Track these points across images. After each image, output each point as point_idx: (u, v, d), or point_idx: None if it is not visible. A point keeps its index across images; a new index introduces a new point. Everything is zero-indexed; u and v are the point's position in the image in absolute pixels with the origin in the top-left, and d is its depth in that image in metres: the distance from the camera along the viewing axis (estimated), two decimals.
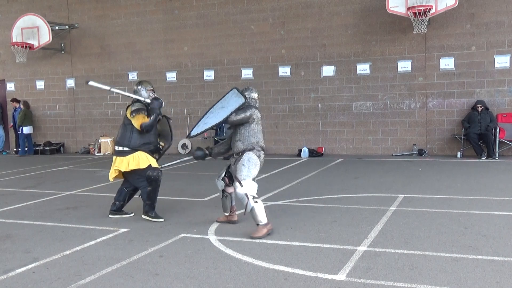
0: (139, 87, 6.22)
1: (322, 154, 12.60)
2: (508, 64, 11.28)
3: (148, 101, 6.08)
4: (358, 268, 4.17)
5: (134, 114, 5.98)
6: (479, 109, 11.12)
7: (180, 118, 14.01)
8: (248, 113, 5.43)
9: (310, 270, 4.17)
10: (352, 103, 12.58)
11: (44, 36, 14.44)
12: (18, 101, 15.38)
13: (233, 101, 5.57)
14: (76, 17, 15.23)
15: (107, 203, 6.81)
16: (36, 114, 15.92)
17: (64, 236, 5.50)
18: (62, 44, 15.40)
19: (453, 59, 11.64)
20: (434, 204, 6.57)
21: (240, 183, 5.26)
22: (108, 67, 14.95)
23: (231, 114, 5.42)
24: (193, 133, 5.74)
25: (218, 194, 7.64)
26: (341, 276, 4.00)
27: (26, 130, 14.95)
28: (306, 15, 12.79)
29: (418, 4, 10.87)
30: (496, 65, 11.35)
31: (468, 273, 4.01)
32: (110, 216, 6.32)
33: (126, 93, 6.27)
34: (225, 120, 5.45)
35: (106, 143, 14.74)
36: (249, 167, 5.31)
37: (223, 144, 5.92)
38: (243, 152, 5.42)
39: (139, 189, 6.16)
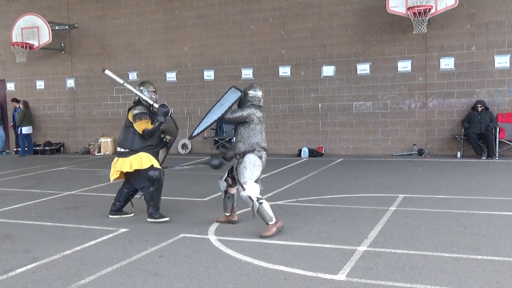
0: (141, 88, 6.19)
1: (322, 154, 12.60)
2: (508, 64, 11.28)
3: (156, 105, 6.03)
4: (358, 268, 4.17)
5: (137, 120, 5.95)
6: (479, 109, 11.12)
7: (180, 118, 13.99)
8: (245, 113, 5.41)
9: (310, 270, 4.18)
10: (352, 103, 12.58)
11: (44, 36, 14.44)
12: (18, 101, 15.39)
13: (230, 97, 5.58)
14: (76, 17, 15.23)
15: (107, 203, 6.81)
16: (36, 114, 15.93)
17: (64, 236, 5.50)
18: (62, 44, 15.40)
19: (453, 59, 11.64)
20: (434, 204, 6.57)
21: (242, 186, 5.27)
22: (108, 67, 14.61)
23: (227, 110, 5.42)
24: (195, 133, 5.75)
25: (218, 194, 7.67)
26: (341, 276, 4.00)
27: (25, 130, 14.95)
28: (306, 15, 12.79)
29: (418, 4, 10.86)
30: (496, 65, 11.35)
31: (468, 273, 4.01)
32: (110, 216, 6.32)
33: (138, 92, 6.18)
34: (222, 117, 5.45)
35: (106, 143, 14.74)
36: (251, 170, 5.31)
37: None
38: (244, 153, 5.42)
39: (140, 190, 6.13)
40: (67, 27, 15.15)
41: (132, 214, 6.34)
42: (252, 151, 5.39)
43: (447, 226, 5.44)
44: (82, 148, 15.36)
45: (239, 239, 5.14)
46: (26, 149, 15.00)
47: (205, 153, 13.34)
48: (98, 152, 14.79)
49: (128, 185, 6.28)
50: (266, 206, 5.22)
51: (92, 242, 5.20)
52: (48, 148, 15.28)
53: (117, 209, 6.33)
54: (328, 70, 12.72)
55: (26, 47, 14.46)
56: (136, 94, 6.16)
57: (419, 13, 10.84)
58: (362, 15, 12.29)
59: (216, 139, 13.46)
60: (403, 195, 7.17)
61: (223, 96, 5.73)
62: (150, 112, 6.07)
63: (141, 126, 5.96)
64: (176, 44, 14.16)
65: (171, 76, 14.29)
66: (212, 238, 5.22)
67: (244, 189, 5.26)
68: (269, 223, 5.20)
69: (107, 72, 6.27)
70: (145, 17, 14.42)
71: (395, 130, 12.27)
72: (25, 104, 15.35)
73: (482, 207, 6.30)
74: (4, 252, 4.96)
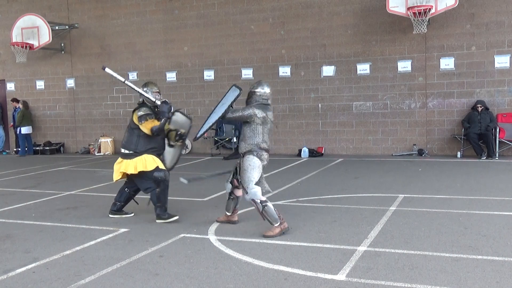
0: (145, 89, 6.16)
1: (322, 154, 12.60)
2: (508, 64, 11.28)
3: (158, 102, 6.00)
4: (358, 268, 4.17)
5: (142, 121, 5.93)
6: (479, 109, 11.12)
7: None
8: (246, 113, 5.35)
9: (310, 270, 4.18)
10: (352, 103, 12.58)
11: (44, 36, 14.44)
12: (18, 101, 15.39)
13: (230, 96, 5.52)
14: (76, 17, 15.23)
15: (107, 203, 6.81)
16: (36, 114, 15.93)
17: (64, 236, 5.50)
18: (62, 44, 15.40)
19: (453, 59, 11.64)
20: (434, 204, 6.57)
21: (245, 190, 5.28)
22: (108, 67, 14.83)
23: (227, 110, 5.39)
24: (199, 134, 5.70)
25: (218, 194, 7.68)
26: (341, 276, 4.00)
27: (24, 130, 14.95)
28: (306, 15, 12.79)
29: (418, 4, 10.86)
30: (496, 65, 11.35)
31: (468, 273, 4.01)
32: (110, 215, 6.32)
33: (139, 90, 6.15)
34: (223, 116, 5.42)
35: (106, 143, 14.74)
36: (250, 172, 5.29)
37: None
38: (244, 154, 5.41)
39: (145, 192, 6.08)
40: (67, 27, 15.15)
41: (132, 214, 6.34)
42: (251, 151, 5.37)
43: (447, 226, 5.44)
44: (82, 148, 15.36)
45: (239, 239, 5.14)
46: (26, 149, 15.00)
47: (205, 153, 13.33)
48: (98, 152, 14.79)
49: (130, 185, 6.26)
50: (269, 209, 5.19)
51: (92, 242, 5.20)
52: (48, 148, 15.28)
53: (118, 209, 6.33)
54: (328, 70, 12.72)
55: (26, 47, 14.46)
56: (139, 93, 6.14)
57: (419, 13, 10.84)
58: (362, 15, 12.29)
59: (216, 139, 13.46)
60: (403, 195, 7.17)
61: (225, 95, 5.67)
62: (154, 112, 6.05)
63: (148, 125, 5.94)
64: (176, 44, 14.16)
65: (171, 76, 14.29)
66: (212, 238, 5.22)
67: (246, 193, 5.26)
68: (274, 224, 5.20)
69: (107, 70, 6.26)
70: (145, 17, 14.42)
71: (395, 130, 12.27)
72: (25, 104, 15.35)
73: (482, 207, 6.30)
74: (4, 252, 4.96)
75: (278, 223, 5.19)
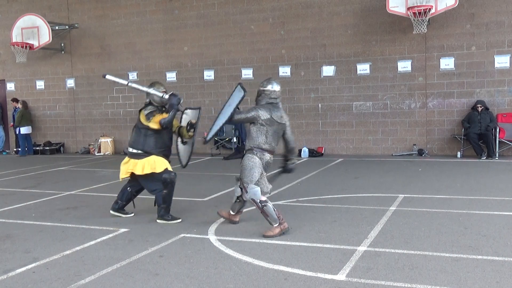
0: (151, 89, 6.15)
1: (322, 154, 12.60)
2: (508, 64, 11.28)
3: (166, 96, 5.95)
4: (358, 268, 4.17)
5: (150, 118, 5.90)
6: (479, 109, 11.12)
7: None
8: (250, 115, 5.31)
9: (310, 270, 4.17)
10: (352, 103, 12.59)
11: (44, 36, 14.44)
12: (18, 101, 15.38)
13: (236, 96, 5.44)
14: (76, 17, 15.23)
15: (107, 203, 6.81)
16: (36, 114, 15.93)
17: (64, 236, 5.49)
18: (62, 44, 15.40)
19: (453, 59, 11.64)
20: (434, 204, 6.57)
21: (245, 189, 5.27)
22: (108, 67, 14.94)
23: (233, 113, 5.35)
24: (208, 137, 5.62)
25: (218, 194, 7.69)
26: (341, 276, 4.00)
27: (24, 130, 14.95)
28: (306, 15, 12.79)
29: (418, 4, 10.87)
30: (496, 65, 11.35)
31: (468, 273, 4.01)
32: (111, 212, 6.30)
33: (144, 88, 6.08)
34: (231, 119, 5.39)
35: (106, 143, 14.74)
36: (249, 170, 5.28)
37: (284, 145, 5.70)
38: (246, 152, 5.40)
39: (151, 193, 6.06)
40: (67, 27, 15.15)
41: (132, 214, 6.33)
42: (251, 150, 5.35)
43: (447, 226, 5.44)
44: (82, 148, 15.36)
45: (239, 239, 5.14)
46: (26, 149, 15.00)
47: (205, 153, 13.33)
48: (98, 152, 14.79)
49: (133, 184, 6.23)
50: (269, 209, 5.18)
51: (92, 242, 5.20)
52: (48, 148, 15.28)
53: (119, 207, 6.30)
54: (328, 70, 12.72)
55: (26, 47, 14.46)
56: (146, 93, 6.10)
57: (419, 13, 10.84)
58: (362, 15, 12.29)
59: (216, 139, 13.46)
60: (403, 195, 7.17)
61: (231, 94, 5.59)
62: (161, 110, 6.00)
63: (156, 119, 5.88)
64: (176, 44, 14.16)
65: (171, 76, 14.29)
66: (212, 238, 5.22)
67: (246, 192, 5.25)
68: (274, 224, 5.20)
69: (108, 76, 6.21)
70: (145, 17, 14.42)
71: (395, 130, 12.27)
72: (24, 104, 15.35)
73: (482, 207, 6.30)
74: (4, 252, 4.95)
75: (278, 224, 5.19)
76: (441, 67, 11.75)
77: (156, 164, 5.88)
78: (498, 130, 11.06)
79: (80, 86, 15.43)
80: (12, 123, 15.80)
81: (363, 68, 12.38)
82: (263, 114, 5.29)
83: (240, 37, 13.46)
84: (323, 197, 7.25)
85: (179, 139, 6.28)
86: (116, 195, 6.42)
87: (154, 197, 6.13)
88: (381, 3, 11.69)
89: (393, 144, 12.32)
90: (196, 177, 9.50)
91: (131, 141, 6.09)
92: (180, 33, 14.07)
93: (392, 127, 12.29)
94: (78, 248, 5.01)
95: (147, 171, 5.88)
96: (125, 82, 6.28)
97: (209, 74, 13.87)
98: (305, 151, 12.47)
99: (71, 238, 5.41)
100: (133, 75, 14.61)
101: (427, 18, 10.92)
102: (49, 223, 6.12)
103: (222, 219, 5.95)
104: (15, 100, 15.42)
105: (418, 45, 11.88)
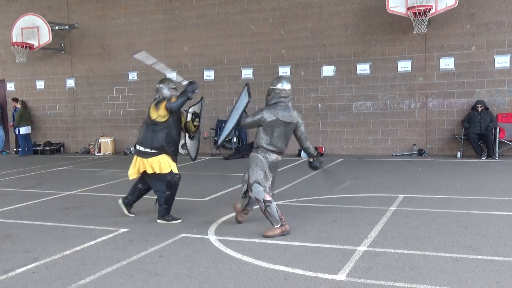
0: (161, 85, 6.06)
1: (322, 154, 12.59)
2: (508, 64, 11.28)
3: (185, 82, 5.90)
4: (358, 268, 4.17)
5: (159, 106, 5.85)
6: (479, 109, 11.12)
7: None
8: (256, 118, 5.29)
9: (310, 270, 4.17)
10: (352, 103, 12.58)
11: (44, 36, 14.44)
12: (17, 101, 15.38)
13: (243, 101, 5.43)
14: (76, 17, 15.23)
15: (107, 203, 6.82)
16: (36, 114, 15.93)
17: (64, 236, 5.49)
18: (62, 44, 15.40)
19: (453, 59, 11.64)
20: (434, 204, 6.57)
21: (250, 188, 5.28)
22: (108, 67, 14.95)
23: (239, 120, 5.34)
24: (219, 142, 5.78)
25: (218, 194, 7.70)
26: (341, 276, 4.00)
27: (23, 130, 14.95)
28: (306, 15, 12.79)
29: (418, 4, 10.87)
30: (496, 65, 11.36)
31: (468, 273, 4.01)
32: (119, 202, 6.26)
33: (168, 71, 6.01)
34: (238, 124, 5.38)
35: (106, 143, 14.74)
36: (252, 169, 5.28)
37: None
38: (253, 150, 5.42)
39: (156, 193, 6.05)
40: (67, 27, 15.15)
41: (133, 215, 6.31)
42: (257, 149, 5.35)
43: (447, 226, 5.44)
44: (82, 148, 15.36)
45: (239, 239, 5.14)
46: (26, 149, 15.00)
47: (205, 153, 13.33)
48: (98, 152, 14.78)
49: (142, 182, 6.19)
50: (271, 210, 5.17)
51: (92, 242, 5.20)
52: (48, 148, 15.28)
53: (128, 203, 6.27)
54: (328, 70, 12.72)
55: (26, 47, 14.46)
56: (165, 73, 6.07)
57: (419, 13, 10.85)
58: (362, 15, 12.29)
59: (216, 139, 13.46)
60: (403, 195, 7.16)
61: (239, 96, 5.57)
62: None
63: (162, 106, 5.83)
64: (176, 44, 14.16)
65: (171, 76, 14.27)
66: (212, 238, 5.22)
67: (251, 190, 5.26)
68: (275, 225, 5.20)
69: (137, 56, 6.21)
70: (145, 17, 14.42)
71: (395, 130, 12.27)
72: (23, 104, 15.35)
73: (482, 207, 6.30)
74: (4, 252, 4.95)
75: (279, 225, 5.19)
76: (441, 67, 11.76)
77: (162, 165, 5.86)
78: (498, 130, 11.06)
79: (80, 86, 15.43)
80: (11, 123, 15.80)
81: (363, 68, 12.38)
82: (268, 116, 5.25)
83: (240, 37, 13.46)
84: (323, 197, 7.24)
85: (186, 135, 6.27)
86: (116, 195, 6.42)
87: (154, 197, 6.13)
88: (381, 3, 11.69)
89: (393, 144, 12.32)
90: (196, 177, 9.50)
91: (139, 138, 6.04)
92: (180, 33, 14.07)
93: (392, 127, 12.29)
94: (78, 248, 5.01)
95: (153, 170, 5.88)
96: (153, 61, 6.20)
97: (209, 74, 13.87)
98: None
99: (71, 238, 5.41)
100: (133, 75, 14.60)
101: (427, 18, 10.92)
102: (49, 223, 6.12)
103: (222, 219, 5.97)
104: (15, 99, 15.42)
105: (418, 45, 11.88)
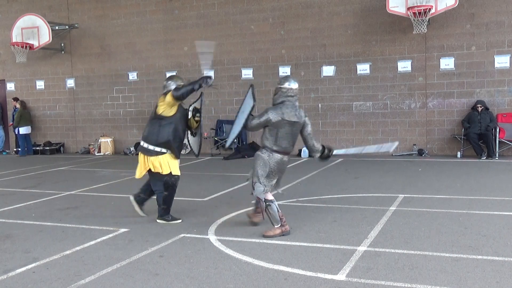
0: (169, 82, 6.02)
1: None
2: (508, 64, 11.28)
3: (205, 72, 5.87)
4: (358, 268, 4.17)
5: (166, 95, 5.82)
6: (479, 109, 11.12)
7: None
8: (262, 119, 5.26)
9: (310, 270, 4.18)
10: (352, 103, 12.59)
11: (44, 36, 14.44)
12: (17, 100, 15.38)
13: (248, 104, 5.42)
14: (76, 17, 15.23)
15: (107, 203, 6.82)
16: (36, 114, 15.93)
17: (64, 236, 5.50)
18: (62, 44, 15.40)
19: (453, 59, 11.64)
20: (434, 204, 6.57)
21: (253, 186, 5.30)
22: (108, 67, 14.95)
23: (247, 119, 5.34)
24: (227, 144, 5.89)
25: (218, 194, 7.70)
26: (341, 276, 4.00)
27: (23, 130, 14.94)
28: (306, 15, 12.79)
29: (418, 4, 10.87)
30: (496, 65, 11.35)
31: (468, 273, 4.01)
32: (131, 198, 6.23)
33: (207, 67, 6.04)
34: (245, 126, 5.37)
35: (106, 143, 14.74)
36: (256, 169, 5.29)
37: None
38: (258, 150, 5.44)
39: (154, 192, 6.05)
40: (67, 27, 15.15)
41: (146, 215, 6.23)
42: (261, 149, 5.37)
43: (447, 226, 5.44)
44: (82, 148, 15.36)
45: (239, 239, 5.14)
46: (26, 149, 15.00)
47: (205, 153, 13.33)
48: (98, 152, 14.78)
49: None
50: (272, 210, 5.18)
51: (92, 242, 5.20)
52: (48, 148, 15.27)
53: (139, 201, 6.23)
54: (328, 70, 12.72)
55: (26, 47, 14.46)
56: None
57: (419, 13, 10.84)
58: (362, 15, 12.29)
59: (216, 139, 13.47)
60: (403, 195, 7.16)
61: (244, 98, 5.55)
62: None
63: (169, 93, 5.79)
64: (176, 44, 14.16)
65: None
66: (212, 238, 5.22)
67: (253, 189, 5.28)
68: (275, 225, 5.20)
69: (204, 43, 6.19)
70: (145, 17, 14.42)
71: (395, 130, 12.27)
72: (23, 104, 15.34)
73: (482, 207, 6.30)
74: (4, 252, 4.95)
75: (279, 225, 5.19)
76: (441, 67, 11.75)
77: (162, 165, 5.86)
78: (498, 130, 11.06)
79: (80, 86, 15.43)
80: (11, 122, 15.79)
81: (363, 68, 12.38)
82: (274, 117, 5.23)
83: (240, 37, 13.46)
84: (323, 197, 7.24)
85: (188, 132, 6.27)
86: (116, 195, 6.42)
87: (154, 197, 6.14)
88: (381, 3, 11.69)
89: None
90: (196, 177, 9.50)
91: (145, 134, 5.99)
92: (180, 33, 14.07)
93: (392, 127, 12.29)
94: (78, 248, 5.01)
95: (155, 169, 5.88)
96: (209, 51, 6.29)
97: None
98: (305, 151, 12.46)
99: (71, 238, 5.41)
100: (133, 75, 14.60)
101: (427, 18, 10.92)
102: (49, 223, 6.12)
103: (221, 219, 5.98)
104: (16, 99, 15.42)
105: (418, 45, 11.88)
